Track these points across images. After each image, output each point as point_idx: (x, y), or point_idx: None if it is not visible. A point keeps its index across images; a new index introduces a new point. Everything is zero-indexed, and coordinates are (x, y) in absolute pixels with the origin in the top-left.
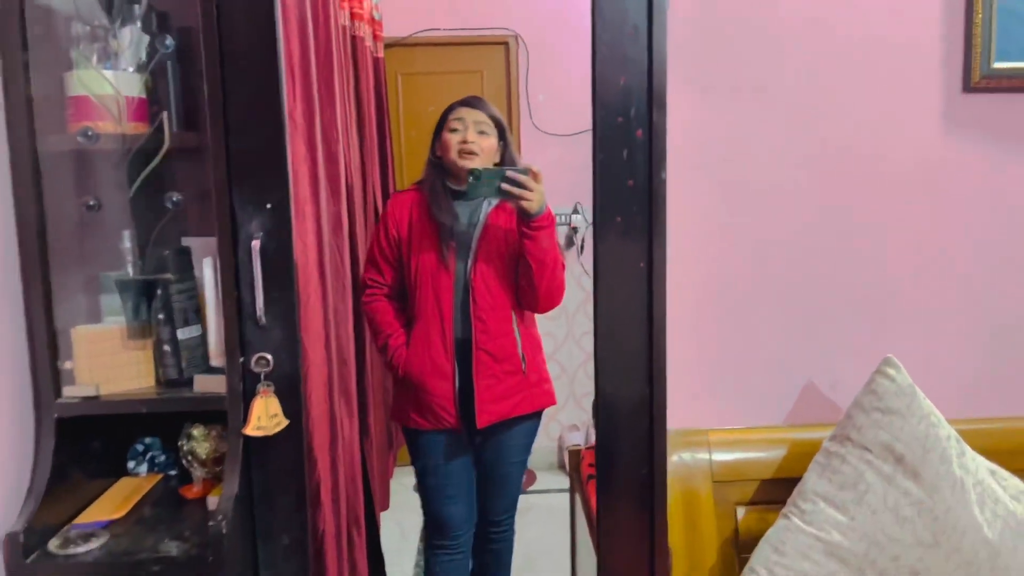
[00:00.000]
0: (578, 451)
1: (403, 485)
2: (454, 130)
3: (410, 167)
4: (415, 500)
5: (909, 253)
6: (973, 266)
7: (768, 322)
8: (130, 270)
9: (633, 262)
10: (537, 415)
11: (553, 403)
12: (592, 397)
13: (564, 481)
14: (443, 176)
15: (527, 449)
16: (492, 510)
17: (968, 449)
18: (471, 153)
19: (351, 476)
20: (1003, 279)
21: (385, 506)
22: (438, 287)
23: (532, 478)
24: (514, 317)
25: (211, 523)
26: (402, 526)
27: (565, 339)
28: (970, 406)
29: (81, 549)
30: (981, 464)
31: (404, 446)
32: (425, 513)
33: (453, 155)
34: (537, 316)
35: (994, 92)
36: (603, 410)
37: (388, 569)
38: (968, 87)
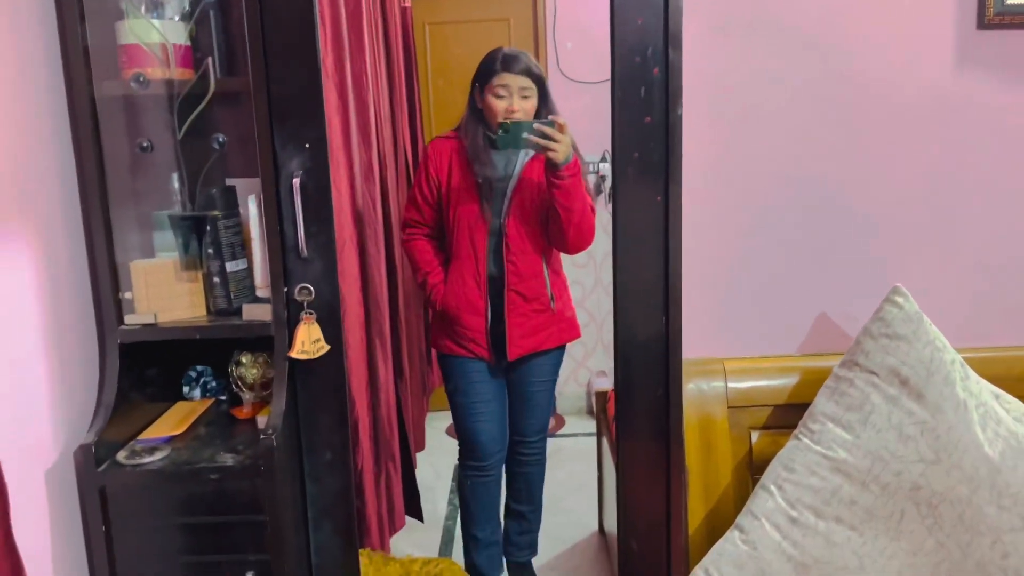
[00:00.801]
0: (605, 393)
1: (436, 429)
2: (500, 96)
3: (438, 116)
4: (448, 443)
5: (920, 187)
6: (982, 199)
7: (782, 255)
8: (180, 208)
9: (650, 196)
10: (561, 348)
11: (578, 335)
12: None
13: (592, 426)
14: (484, 128)
15: (555, 373)
16: (524, 431)
17: (972, 373)
18: (506, 121)
19: (387, 416)
20: (1011, 212)
21: (421, 447)
22: (474, 232)
23: (561, 422)
24: (543, 259)
25: (262, 436)
26: (436, 467)
27: (594, 287)
28: (977, 335)
29: (147, 460)
30: (985, 388)
31: (437, 389)
32: (458, 433)
33: (499, 119)
34: (565, 262)
35: (1008, 28)
36: (622, 337)
37: (423, 505)
38: (983, 23)
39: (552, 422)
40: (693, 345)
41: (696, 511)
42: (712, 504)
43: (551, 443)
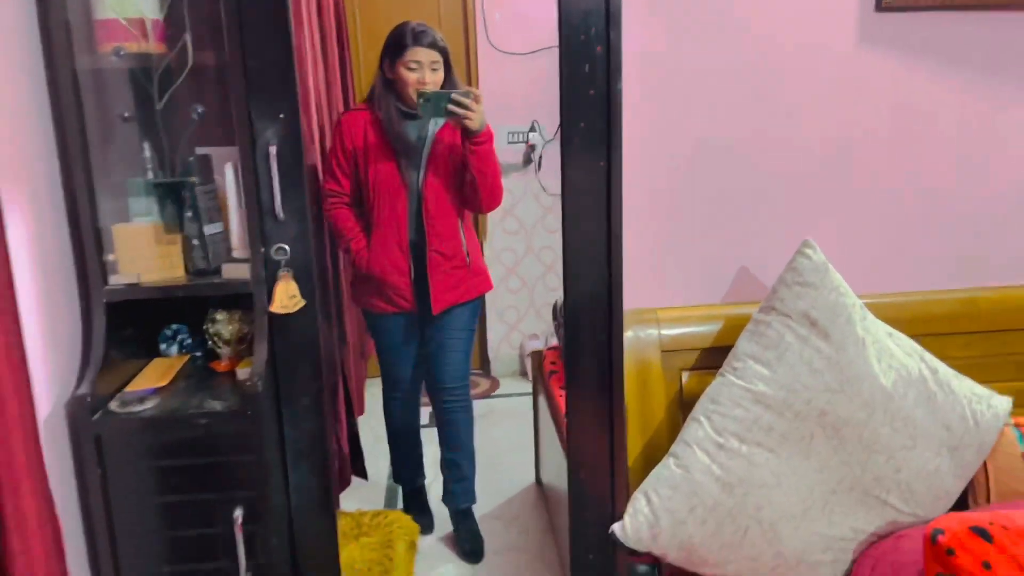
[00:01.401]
0: (540, 352)
1: (375, 396)
2: (412, 69)
3: (368, 84)
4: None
5: (828, 152)
6: (880, 163)
7: (708, 215)
8: (159, 175)
9: (595, 161)
10: (480, 299)
11: (490, 287)
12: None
13: (525, 387)
14: (395, 99)
15: (472, 323)
16: (446, 378)
17: (870, 315)
18: (425, 91)
19: (331, 379)
20: (905, 174)
21: (361, 411)
22: (394, 198)
23: (496, 384)
24: (459, 220)
25: (248, 383)
26: (375, 430)
27: (525, 253)
28: (875, 282)
29: (138, 408)
30: (880, 327)
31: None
32: (384, 370)
33: (410, 91)
34: (497, 232)
35: (900, 11)
36: (570, 289)
37: (365, 466)
38: (879, 6)
39: (487, 384)
40: (630, 297)
41: (635, 444)
42: (648, 437)
43: (487, 404)
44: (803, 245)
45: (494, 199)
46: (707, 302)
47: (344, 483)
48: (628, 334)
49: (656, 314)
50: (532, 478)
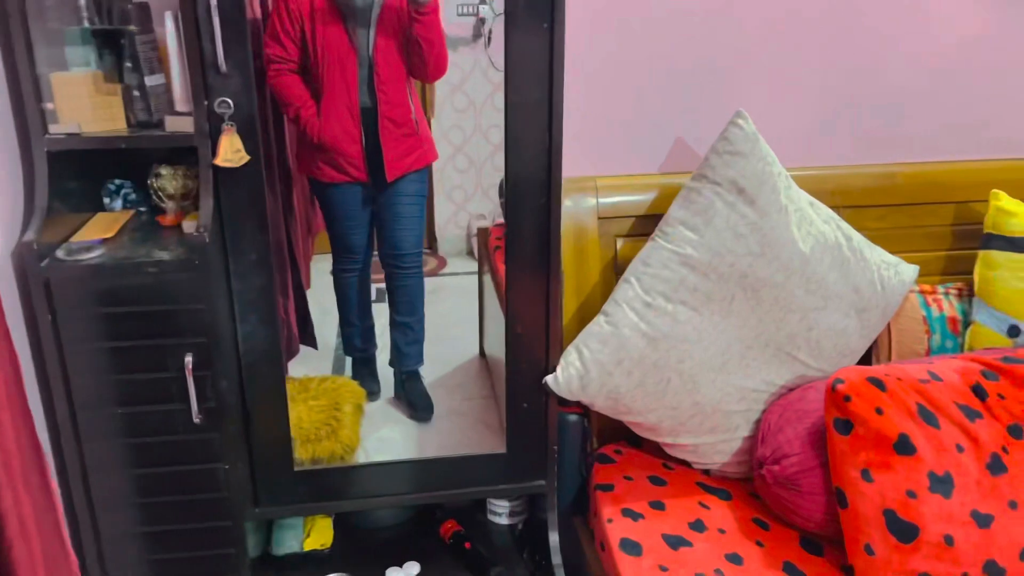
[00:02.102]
0: (486, 229)
1: (321, 271)
2: None
3: None
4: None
5: (761, 30)
6: (810, 42)
7: (647, 86)
8: (96, 22)
9: (537, 25)
10: (427, 168)
11: (436, 157)
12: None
13: (472, 266)
14: None
15: (424, 191)
16: (400, 245)
17: (794, 184)
18: None
19: (278, 248)
20: (836, 48)
21: (307, 285)
22: (343, 62)
23: (443, 263)
24: (407, 87)
25: (195, 234)
26: (322, 304)
27: (473, 132)
28: (802, 155)
29: (86, 256)
30: (803, 196)
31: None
32: (334, 245)
33: None
34: (446, 109)
35: None
36: (511, 152)
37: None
38: None
39: (434, 262)
40: (570, 165)
41: (570, 305)
42: (583, 299)
43: (434, 282)
44: (736, 116)
45: (439, 69)
46: (644, 171)
47: (293, 351)
48: (567, 202)
49: (595, 182)
50: (476, 351)
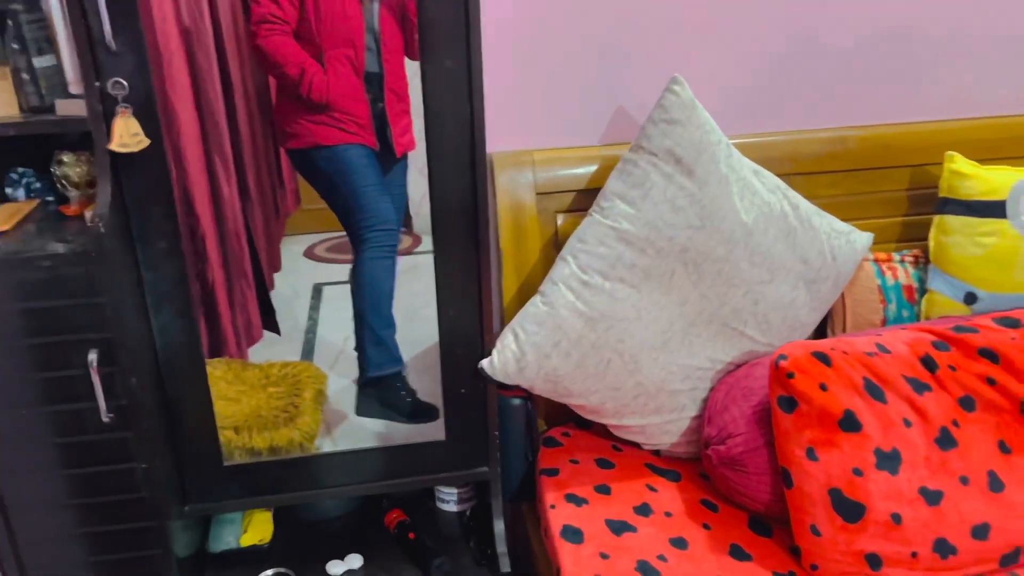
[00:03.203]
0: None
1: (293, 252)
2: None
3: None
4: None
5: None
6: (752, 2)
7: (584, 54)
8: None
9: None
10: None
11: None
12: None
13: None
14: None
15: (406, 175)
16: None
17: (736, 152)
18: None
19: (235, 232)
20: (777, 15)
21: (277, 267)
22: (350, 27)
23: (418, 241)
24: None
25: (90, 225)
26: (294, 286)
27: None
28: (748, 122)
29: None
30: (746, 165)
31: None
32: (356, 219)
33: None
34: (414, 82)
35: None
36: (433, 126)
37: (284, 323)
38: None
39: (409, 240)
40: (506, 139)
41: (510, 286)
42: (523, 279)
43: (410, 260)
44: (671, 82)
45: None
46: (584, 144)
47: (254, 337)
48: (502, 177)
49: (532, 156)
50: None
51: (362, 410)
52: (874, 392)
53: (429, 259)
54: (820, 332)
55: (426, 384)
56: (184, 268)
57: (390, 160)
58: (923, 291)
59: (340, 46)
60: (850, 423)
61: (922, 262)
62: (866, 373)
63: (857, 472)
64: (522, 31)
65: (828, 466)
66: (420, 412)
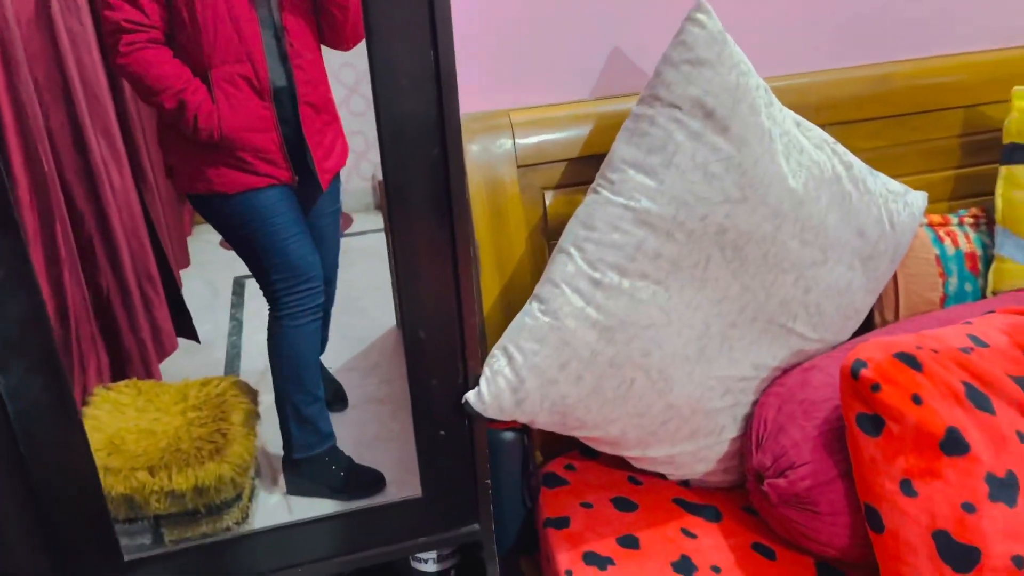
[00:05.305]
0: None
1: (206, 242)
2: None
3: None
4: (223, 256)
5: None
6: None
7: None
8: None
9: None
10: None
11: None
12: None
13: (380, 221)
14: None
15: (339, 196)
16: (326, 267)
17: (776, 100)
18: None
19: (132, 229)
20: None
21: (185, 264)
22: (241, 28)
23: (348, 221)
24: (323, 60)
25: None
26: (212, 283)
27: (367, 71)
28: (773, 61)
29: None
30: (788, 115)
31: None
32: (268, 274)
33: None
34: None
35: None
36: (383, 83)
37: (201, 326)
38: None
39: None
40: (474, 98)
41: (490, 288)
42: (507, 278)
43: (342, 243)
44: (694, 9)
45: (358, 33)
46: (573, 99)
47: (166, 349)
48: (473, 147)
49: (508, 117)
50: (392, 322)
51: (293, 488)
52: (979, 401)
53: (362, 241)
54: (867, 321)
55: (371, 388)
56: (38, 301)
57: (314, 191)
58: (988, 259)
59: (231, 61)
60: (955, 444)
61: (983, 223)
62: (966, 376)
63: (968, 507)
64: None
65: (930, 502)
66: (360, 485)
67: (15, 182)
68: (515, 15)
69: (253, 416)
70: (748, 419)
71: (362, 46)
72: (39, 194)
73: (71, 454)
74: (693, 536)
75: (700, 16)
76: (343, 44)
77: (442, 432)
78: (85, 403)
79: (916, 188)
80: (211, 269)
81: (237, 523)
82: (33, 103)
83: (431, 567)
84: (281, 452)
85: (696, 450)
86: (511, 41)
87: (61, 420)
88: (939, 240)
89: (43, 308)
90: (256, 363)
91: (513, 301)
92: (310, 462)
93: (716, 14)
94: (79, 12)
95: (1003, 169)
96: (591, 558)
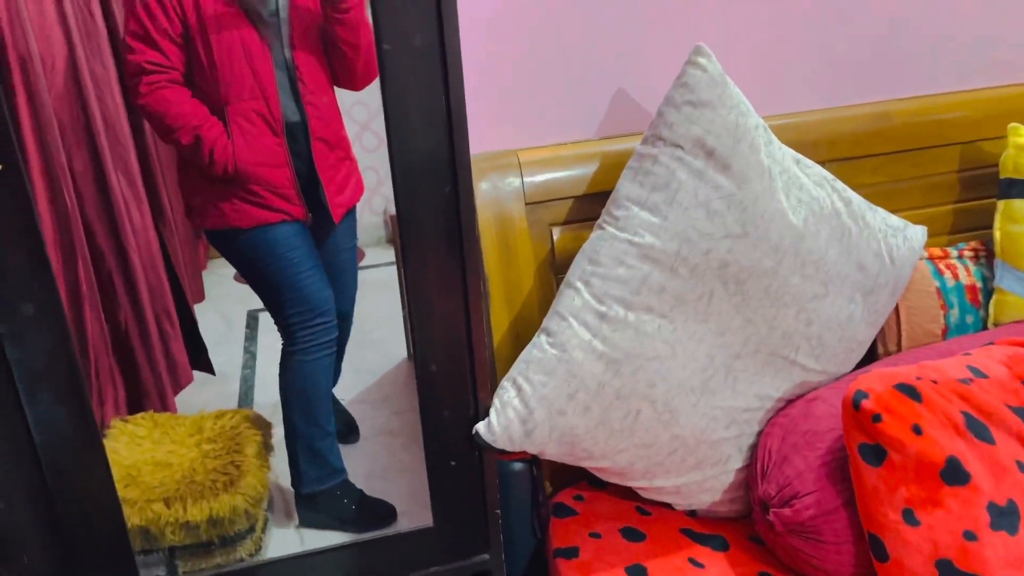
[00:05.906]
0: None
1: (221, 276)
2: None
3: None
4: (237, 290)
5: None
6: None
7: (569, 28)
8: None
9: None
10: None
11: (364, 187)
12: None
13: (392, 255)
14: None
15: (356, 235)
16: (342, 302)
17: (775, 138)
18: None
19: (150, 265)
20: None
21: (200, 298)
22: (256, 66)
23: (361, 255)
24: (336, 99)
25: None
26: (226, 316)
27: (380, 108)
28: (773, 100)
29: None
30: (787, 153)
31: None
32: (281, 309)
33: None
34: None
35: None
36: (396, 124)
37: (216, 358)
38: None
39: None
40: (483, 138)
41: (500, 321)
42: (516, 311)
43: None
44: (694, 53)
45: (371, 72)
46: (578, 138)
47: (182, 382)
48: (483, 185)
49: (517, 157)
50: (403, 354)
51: (304, 521)
52: (978, 431)
53: (374, 275)
54: (870, 351)
55: (382, 419)
56: (65, 335)
57: (327, 227)
58: (989, 291)
59: (246, 98)
60: (955, 474)
61: (983, 256)
62: (965, 407)
63: (969, 536)
64: (489, 9)
65: (933, 531)
66: (373, 518)
67: (42, 221)
68: (523, 58)
69: (266, 448)
70: (753, 449)
71: (375, 85)
72: (62, 232)
73: (95, 485)
74: (701, 566)
75: (700, 59)
76: (355, 83)
77: (453, 463)
78: (103, 435)
79: (916, 222)
80: (226, 303)
81: (250, 555)
82: (57, 144)
83: None
84: None
85: (702, 480)
86: (519, 83)
87: (85, 451)
88: (939, 273)
89: (69, 341)
90: (269, 396)
91: (522, 334)
92: (322, 496)
93: (716, 56)
94: (102, 56)
95: (1000, 204)
96: None
